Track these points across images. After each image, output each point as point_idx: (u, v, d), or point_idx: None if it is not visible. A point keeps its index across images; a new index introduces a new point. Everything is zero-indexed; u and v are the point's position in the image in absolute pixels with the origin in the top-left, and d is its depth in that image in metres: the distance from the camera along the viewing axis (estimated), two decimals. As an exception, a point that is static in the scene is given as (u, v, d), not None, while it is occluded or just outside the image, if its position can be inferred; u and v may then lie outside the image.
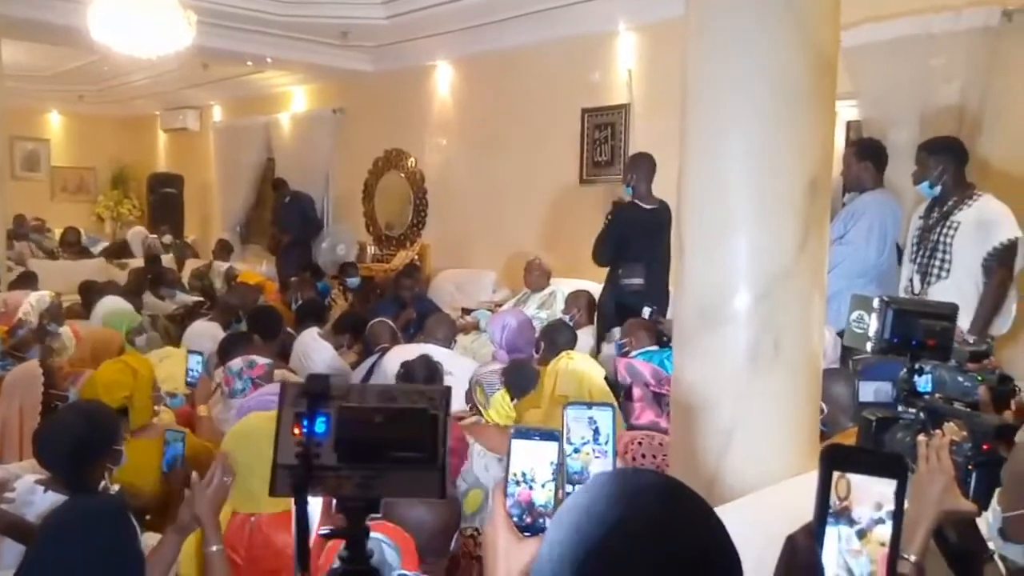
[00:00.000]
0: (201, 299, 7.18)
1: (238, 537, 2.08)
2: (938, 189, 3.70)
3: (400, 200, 8.34)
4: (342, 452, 0.93)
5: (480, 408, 3.08)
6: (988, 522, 1.60)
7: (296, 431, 0.93)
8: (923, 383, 1.83)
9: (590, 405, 1.19)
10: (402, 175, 8.28)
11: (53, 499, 2.19)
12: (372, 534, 1.00)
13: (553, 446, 1.09)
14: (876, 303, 1.82)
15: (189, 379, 3.45)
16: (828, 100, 2.19)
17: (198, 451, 2.88)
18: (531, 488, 1.08)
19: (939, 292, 3.59)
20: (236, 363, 3.45)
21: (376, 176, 8.58)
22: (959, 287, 3.53)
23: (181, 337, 5.17)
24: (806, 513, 0.89)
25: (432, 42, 7.32)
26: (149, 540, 2.15)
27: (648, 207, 4.72)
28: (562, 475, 1.12)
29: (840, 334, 2.97)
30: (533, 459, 1.09)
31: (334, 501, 0.96)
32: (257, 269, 8.82)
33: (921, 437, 1.68)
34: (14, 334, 4.42)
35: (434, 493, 0.94)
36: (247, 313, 5.06)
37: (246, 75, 9.38)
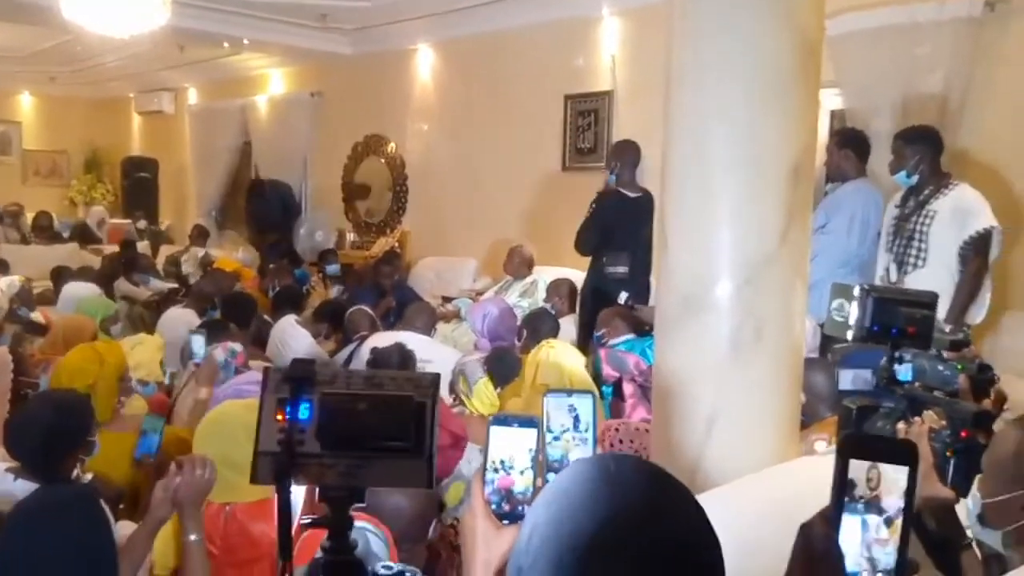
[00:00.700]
0: (176, 286, 7.10)
1: (213, 527, 2.05)
2: (915, 178, 3.72)
3: (379, 185, 8.28)
4: (325, 440, 0.90)
5: (463, 398, 3.06)
6: (967, 508, 1.61)
7: (279, 417, 0.91)
8: (903, 371, 1.84)
9: (570, 392, 1.18)
10: (382, 161, 8.21)
11: (23, 487, 2.15)
12: (358, 523, 0.98)
13: (532, 433, 1.08)
14: (856, 291, 1.82)
15: (194, 360, 3.40)
16: (812, 87, 2.19)
17: (173, 441, 2.83)
18: (509, 475, 1.07)
19: (915, 281, 3.61)
20: (219, 352, 3.40)
21: (355, 161, 8.51)
22: (935, 276, 3.55)
23: (155, 324, 5.10)
24: (788, 499, 0.88)
25: (413, 25, 7.25)
26: (123, 530, 2.11)
27: (632, 195, 4.71)
28: (541, 463, 1.11)
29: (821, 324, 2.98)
30: (512, 446, 1.08)
31: (317, 490, 0.94)
32: (233, 255, 8.73)
33: (901, 425, 1.69)
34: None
35: (421, 483, 0.93)
36: (221, 300, 5.00)
37: (222, 57, 9.24)
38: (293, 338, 4.53)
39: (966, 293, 3.56)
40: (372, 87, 8.10)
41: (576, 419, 1.16)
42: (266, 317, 5.00)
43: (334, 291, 6.43)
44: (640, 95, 5.78)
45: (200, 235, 8.96)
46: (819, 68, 2.21)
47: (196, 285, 6.03)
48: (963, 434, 1.68)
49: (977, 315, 3.63)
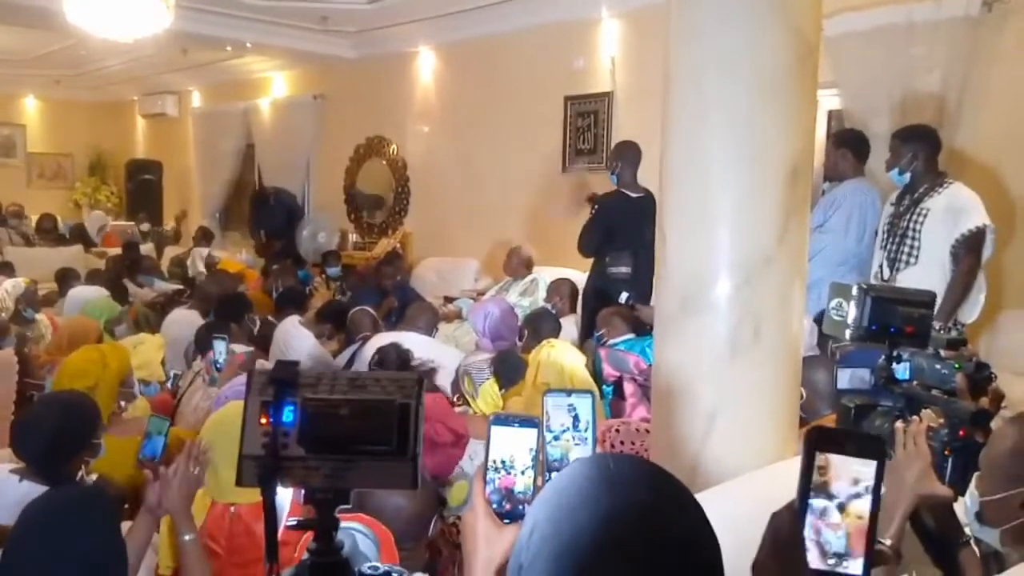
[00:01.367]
0: (181, 287, 7.13)
1: (218, 527, 2.07)
2: (907, 176, 3.73)
3: (382, 187, 8.30)
4: (308, 444, 0.90)
5: (468, 398, 3.08)
6: (965, 506, 1.62)
7: (263, 420, 0.91)
8: (901, 370, 1.85)
9: (569, 392, 1.19)
10: (384, 162, 8.23)
11: (28, 489, 2.16)
12: (346, 524, 0.98)
13: (532, 432, 1.09)
14: (855, 291, 1.83)
15: (217, 364, 3.42)
16: (810, 87, 2.19)
17: (176, 443, 2.85)
18: (510, 474, 1.08)
19: (907, 279, 3.61)
20: (221, 346, 3.42)
21: (357, 163, 8.53)
22: (927, 274, 3.55)
23: (160, 325, 5.12)
24: (786, 497, 0.90)
25: (414, 28, 7.26)
26: (126, 532, 2.13)
27: (634, 195, 4.72)
28: (541, 462, 1.12)
29: (819, 321, 2.99)
30: (512, 446, 1.09)
31: (303, 492, 0.94)
32: (237, 257, 8.75)
33: (899, 424, 1.70)
34: (-11, 322, 4.36)
35: (405, 484, 0.92)
36: (216, 301, 5.02)
37: (225, 60, 9.27)
38: (296, 339, 4.54)
39: (957, 291, 3.56)
40: (374, 90, 8.12)
41: (576, 419, 1.17)
42: (270, 318, 5.02)
43: (341, 297, 6.45)
44: (639, 96, 5.79)
45: (204, 236, 8.99)
46: (817, 68, 2.22)
47: (200, 286, 6.05)
48: (961, 433, 1.70)
49: (970, 314, 3.63)
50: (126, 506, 2.62)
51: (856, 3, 4.46)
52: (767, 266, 2.09)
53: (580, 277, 5.24)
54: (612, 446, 2.43)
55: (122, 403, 3.03)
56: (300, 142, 9.06)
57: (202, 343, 3.79)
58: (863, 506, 0.86)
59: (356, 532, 1.47)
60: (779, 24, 2.10)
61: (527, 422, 1.10)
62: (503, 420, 1.10)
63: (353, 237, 8.52)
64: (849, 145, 4.13)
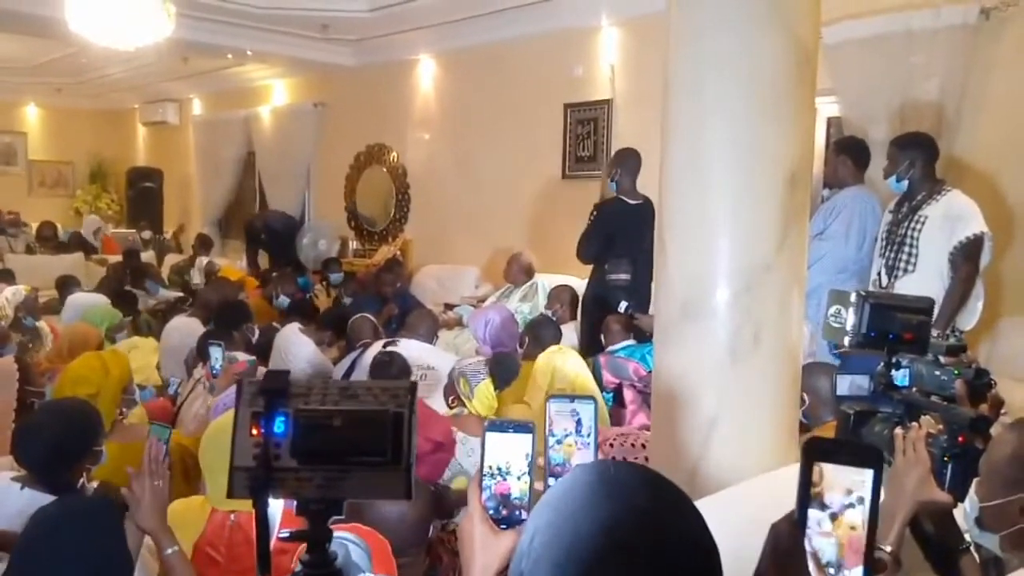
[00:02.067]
0: (182, 295, 7.13)
1: (218, 535, 2.07)
2: (905, 183, 3.74)
3: (382, 195, 8.32)
4: (300, 455, 0.89)
5: (464, 399, 3.09)
6: (965, 512, 1.62)
7: (254, 431, 0.89)
8: (900, 377, 1.85)
9: (572, 398, 1.19)
10: (384, 170, 8.25)
11: (30, 497, 2.16)
12: (338, 535, 0.98)
13: (527, 438, 1.09)
14: (853, 297, 1.83)
15: (213, 371, 3.43)
16: (808, 95, 2.21)
17: (176, 450, 2.85)
18: (506, 481, 1.08)
19: (905, 286, 3.62)
20: (218, 353, 3.42)
21: (358, 171, 8.55)
22: (925, 281, 3.56)
23: (160, 332, 5.12)
24: (786, 504, 0.90)
25: (414, 36, 7.29)
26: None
27: (633, 202, 4.73)
28: (541, 467, 1.12)
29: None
30: (508, 452, 1.09)
31: (295, 503, 0.92)
32: (238, 264, 8.76)
33: (898, 430, 1.70)
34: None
35: (399, 494, 0.90)
36: (214, 308, 5.02)
37: (226, 68, 9.31)
38: (296, 346, 4.54)
39: (955, 298, 3.56)
40: (374, 97, 8.15)
41: (579, 423, 1.17)
42: (275, 324, 5.03)
43: (345, 301, 6.46)
44: (639, 104, 5.81)
45: (203, 244, 9.00)
46: (815, 76, 2.23)
47: (200, 294, 6.06)
48: (960, 439, 1.69)
49: (968, 321, 3.64)
50: (127, 513, 2.62)
51: (855, 11, 4.47)
52: (766, 273, 2.10)
53: (580, 284, 5.25)
54: (612, 458, 2.43)
55: (123, 410, 3.03)
56: (301, 150, 9.08)
57: (203, 351, 3.79)
58: (856, 516, 0.86)
59: (348, 542, 1.47)
60: (777, 32, 2.11)
61: (522, 428, 1.10)
62: (498, 426, 1.10)
63: (353, 244, 8.53)
64: (849, 152, 4.14)
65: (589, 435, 1.17)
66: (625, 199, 4.75)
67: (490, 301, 5.88)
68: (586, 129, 6.36)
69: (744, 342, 2.09)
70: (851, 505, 0.86)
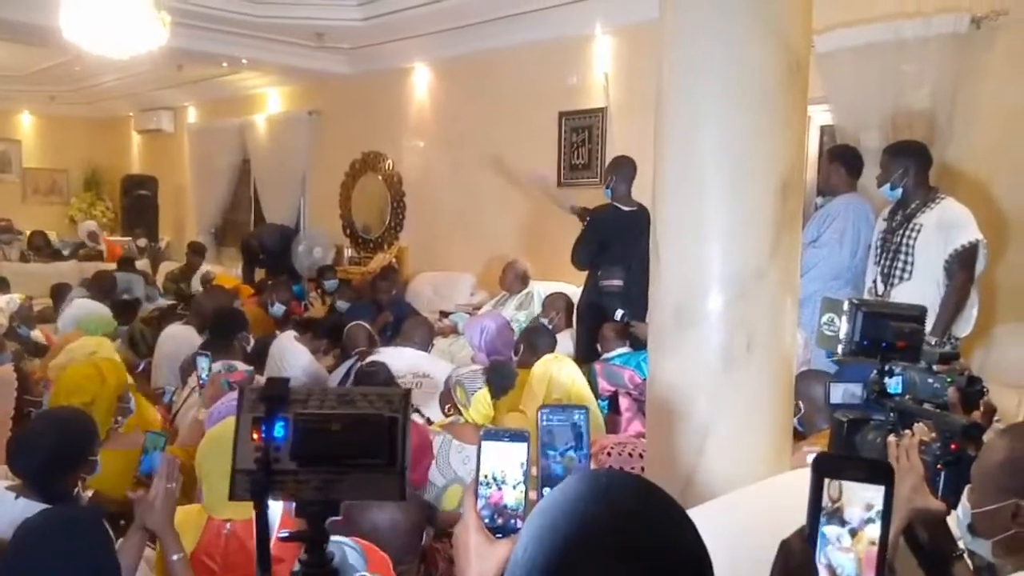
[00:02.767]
0: (176, 302, 7.12)
1: (213, 543, 2.07)
2: (899, 191, 3.76)
3: (377, 202, 8.32)
4: (300, 457, 0.92)
5: (460, 408, 3.09)
6: (958, 519, 1.63)
7: (255, 436, 0.93)
8: (893, 384, 1.86)
9: (565, 408, 1.19)
10: (379, 177, 8.26)
11: (24, 506, 2.15)
12: (335, 538, 1.00)
13: (522, 447, 1.10)
14: (846, 306, 1.84)
15: (200, 380, 3.43)
16: (800, 102, 2.22)
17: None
18: (501, 490, 1.09)
19: (901, 294, 3.64)
20: (215, 368, 3.42)
21: (353, 178, 8.55)
22: (921, 289, 3.58)
23: (155, 340, 5.11)
24: (780, 512, 0.91)
25: (409, 44, 7.30)
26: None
27: (627, 209, 4.74)
28: (534, 477, 1.12)
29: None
30: (503, 460, 1.09)
31: (294, 505, 0.96)
32: (233, 272, 8.75)
33: (891, 438, 1.71)
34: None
35: (394, 496, 0.94)
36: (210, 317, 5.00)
37: (221, 76, 9.31)
38: (292, 354, 4.54)
39: (951, 306, 3.58)
40: (369, 105, 8.16)
41: (579, 436, 1.17)
42: (278, 332, 5.03)
43: (339, 305, 6.45)
44: (633, 112, 5.83)
45: (195, 252, 8.96)
46: (806, 84, 2.25)
47: (195, 302, 6.05)
48: (953, 447, 1.70)
49: (964, 328, 3.66)
50: (122, 522, 2.62)
51: (847, 19, 4.50)
52: (759, 280, 2.11)
53: (576, 291, 5.26)
54: (609, 468, 2.44)
55: (118, 418, 3.03)
56: (295, 158, 9.08)
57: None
58: (875, 532, 0.86)
59: (344, 545, 1.49)
60: (768, 40, 2.12)
61: (517, 437, 1.10)
62: (493, 435, 1.11)
63: (349, 252, 8.53)
64: (842, 160, 4.16)
65: (585, 446, 1.17)
66: (619, 206, 4.77)
67: (486, 309, 5.89)
68: (581, 137, 6.38)
69: (737, 350, 2.10)
70: (871, 520, 0.86)
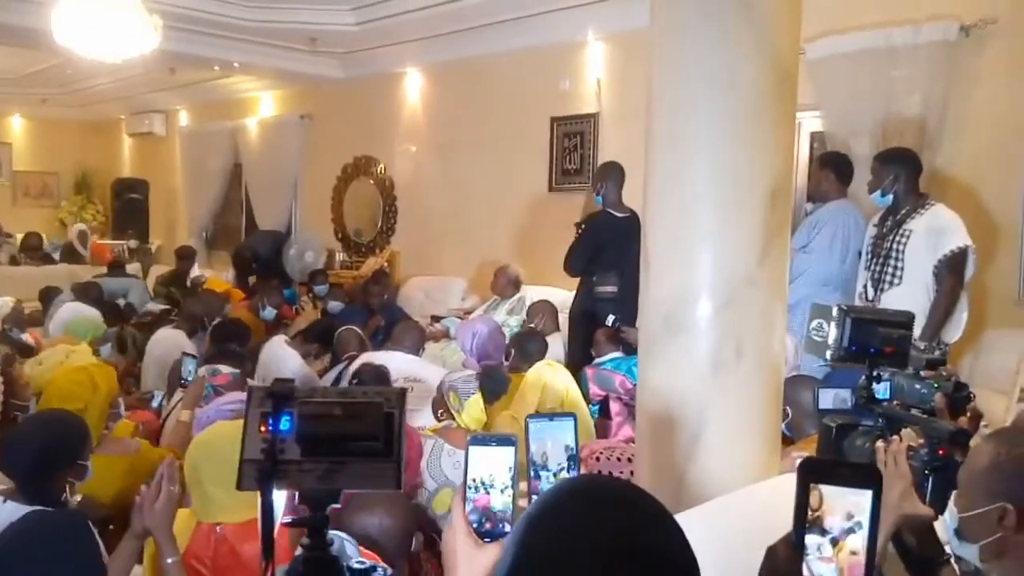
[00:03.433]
0: (168, 307, 7.09)
1: (204, 548, 2.06)
2: (890, 198, 3.78)
3: (369, 207, 8.32)
4: (304, 445, 0.99)
5: (454, 413, 3.09)
6: (945, 524, 1.64)
7: (262, 429, 0.99)
8: (881, 390, 1.87)
9: (554, 418, 1.19)
10: (371, 182, 8.26)
11: (12, 509, 2.14)
12: (332, 531, 1.05)
13: (510, 451, 1.10)
14: (835, 312, 1.85)
15: (184, 381, 3.42)
16: (789, 110, 2.24)
17: (156, 461, 2.83)
18: (489, 494, 1.09)
19: (891, 299, 3.65)
20: (200, 371, 3.41)
21: (345, 183, 8.55)
22: (911, 294, 3.59)
23: (145, 344, 5.09)
24: (769, 517, 0.91)
25: (402, 49, 7.31)
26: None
27: (620, 215, 4.75)
28: (526, 493, 1.13)
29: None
30: (491, 465, 1.10)
31: (296, 495, 1.02)
32: (223, 276, 8.73)
33: (879, 443, 1.72)
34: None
35: (390, 484, 1.00)
36: (213, 325, 4.98)
37: (213, 80, 9.29)
38: (282, 358, 4.53)
39: (941, 311, 3.60)
40: (361, 110, 8.16)
41: (571, 457, 1.17)
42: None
43: (331, 306, 6.44)
44: (625, 117, 5.85)
45: (185, 256, 8.91)
46: (795, 92, 2.26)
47: (186, 306, 6.03)
48: (940, 452, 1.72)
49: (953, 333, 3.67)
50: (111, 527, 2.61)
51: (838, 26, 4.53)
52: (748, 287, 2.12)
53: (567, 296, 5.26)
54: (598, 473, 2.44)
55: (109, 424, 3.01)
56: (287, 162, 9.07)
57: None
58: (857, 542, 0.85)
59: (341, 537, 1.51)
60: (758, 49, 2.14)
61: (505, 441, 1.11)
62: (480, 440, 1.12)
63: (340, 256, 8.52)
64: (832, 166, 4.18)
65: (573, 455, 1.17)
66: (612, 212, 4.78)
67: (477, 313, 5.89)
68: (572, 142, 6.40)
69: (726, 356, 2.11)
70: (851, 530, 0.85)
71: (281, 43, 7.41)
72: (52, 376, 3.12)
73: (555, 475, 1.15)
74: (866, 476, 0.86)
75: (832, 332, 1.87)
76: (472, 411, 3.05)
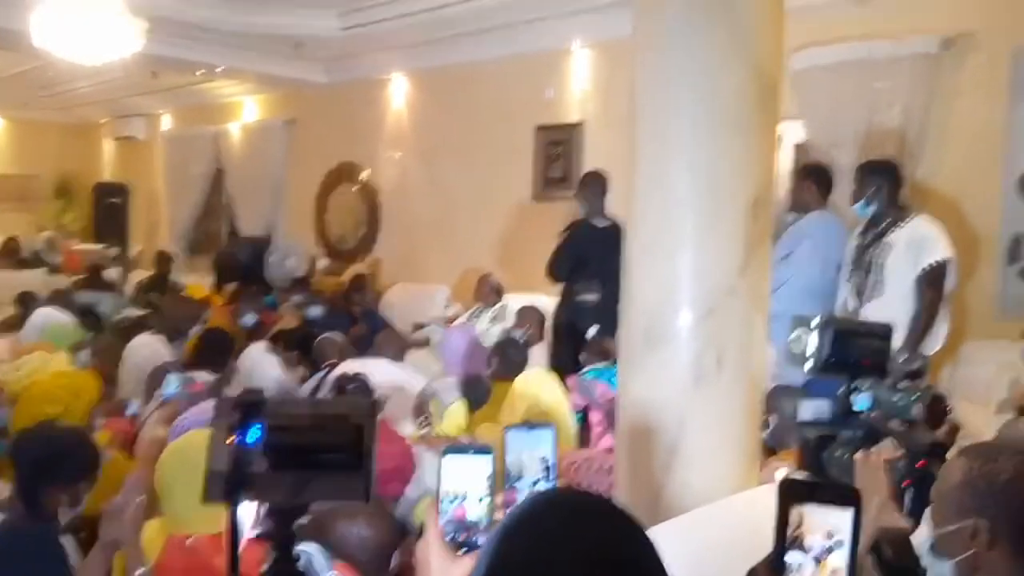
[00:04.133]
0: (146, 312, 7.00)
1: (174, 559, 2.02)
2: (871, 209, 3.80)
3: (353, 213, 8.28)
4: (272, 457, 0.97)
5: (434, 420, 3.07)
6: (922, 538, 1.63)
7: (229, 440, 0.98)
8: (860, 401, 1.87)
9: (531, 427, 1.18)
10: (354, 188, 8.22)
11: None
12: (302, 546, 1.02)
13: (488, 460, 1.09)
14: (815, 323, 1.85)
15: (164, 396, 3.37)
16: (771, 121, 2.24)
17: (127, 473, 2.78)
18: (464, 505, 1.07)
19: (873, 311, 3.67)
20: (173, 380, 3.37)
21: (328, 189, 8.50)
22: (892, 306, 3.61)
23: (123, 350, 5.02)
24: (746, 529, 0.90)
25: (387, 55, 7.30)
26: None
27: (601, 225, 4.76)
28: (502, 506, 1.11)
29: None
30: (467, 475, 1.08)
31: (263, 507, 1.01)
32: (204, 282, 8.64)
33: (859, 455, 1.71)
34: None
35: (359, 496, 0.99)
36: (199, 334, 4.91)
37: (196, 84, 9.23)
38: (262, 367, 4.49)
39: (921, 323, 3.62)
40: (345, 115, 8.12)
41: (547, 469, 1.16)
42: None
43: (310, 311, 6.37)
44: (609, 126, 5.85)
45: (164, 261, 8.82)
46: (778, 103, 2.27)
47: (164, 311, 5.97)
48: (919, 464, 1.71)
49: (933, 345, 3.69)
50: (82, 534, 2.55)
51: (821, 38, 4.56)
52: (729, 297, 2.12)
53: (550, 303, 5.25)
54: (578, 484, 2.42)
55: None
56: (270, 167, 9.01)
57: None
58: (838, 560, 0.85)
59: (311, 552, 1.49)
60: (740, 61, 2.14)
61: (482, 450, 1.10)
62: (456, 449, 1.11)
63: (323, 262, 8.47)
64: (814, 177, 4.20)
65: (551, 467, 1.16)
66: (593, 222, 4.78)
67: (460, 321, 5.87)
68: (557, 151, 6.40)
69: (707, 366, 2.10)
70: (831, 549, 0.85)
71: (265, 47, 7.37)
72: (36, 378, 3.07)
73: (532, 485, 1.15)
74: (846, 495, 0.86)
75: (812, 343, 1.86)
76: (452, 418, 3.03)
